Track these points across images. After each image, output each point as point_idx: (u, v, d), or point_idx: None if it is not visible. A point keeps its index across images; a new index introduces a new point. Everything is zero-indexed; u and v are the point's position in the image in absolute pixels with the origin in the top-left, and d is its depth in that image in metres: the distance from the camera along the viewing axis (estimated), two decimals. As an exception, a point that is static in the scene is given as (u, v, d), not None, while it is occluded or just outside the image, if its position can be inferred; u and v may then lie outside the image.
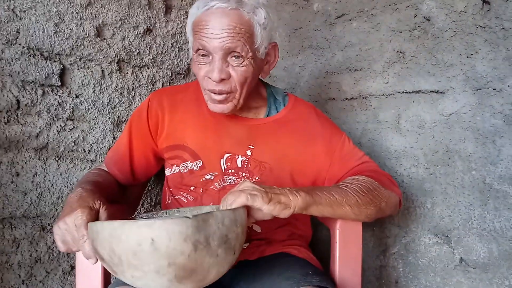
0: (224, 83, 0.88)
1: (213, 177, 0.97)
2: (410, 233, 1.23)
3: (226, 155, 0.98)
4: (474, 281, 1.09)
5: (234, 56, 0.87)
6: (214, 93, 0.90)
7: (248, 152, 0.98)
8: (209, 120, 1.00)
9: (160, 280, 0.62)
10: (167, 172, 1.04)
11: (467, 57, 1.09)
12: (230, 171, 0.98)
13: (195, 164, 0.98)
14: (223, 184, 0.97)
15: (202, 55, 0.88)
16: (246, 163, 0.98)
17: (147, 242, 0.59)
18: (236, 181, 0.97)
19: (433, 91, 1.17)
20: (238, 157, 0.98)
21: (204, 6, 0.86)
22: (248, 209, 0.74)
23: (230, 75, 0.88)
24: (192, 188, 0.99)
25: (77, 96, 1.18)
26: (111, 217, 0.77)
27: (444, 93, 1.14)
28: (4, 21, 1.03)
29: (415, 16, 1.20)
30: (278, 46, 0.98)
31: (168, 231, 0.59)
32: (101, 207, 0.75)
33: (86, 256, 0.72)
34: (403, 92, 1.24)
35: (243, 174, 0.98)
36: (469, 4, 1.08)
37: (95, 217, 0.74)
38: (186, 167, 0.99)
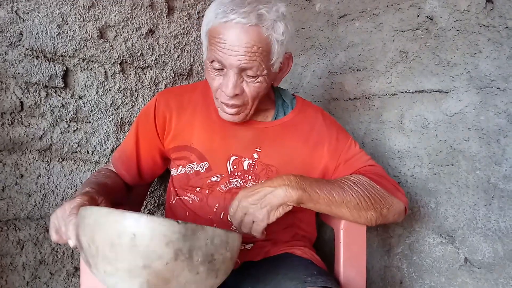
0: (237, 98, 0.88)
1: (219, 179, 0.97)
2: (414, 233, 1.23)
3: (233, 157, 0.97)
4: (480, 281, 1.08)
5: (249, 73, 0.85)
6: (227, 106, 0.90)
7: (255, 155, 0.98)
8: (216, 122, 0.99)
9: (130, 281, 0.59)
10: (173, 172, 1.04)
11: (471, 56, 1.08)
12: (236, 173, 0.97)
13: (202, 166, 0.98)
14: (229, 186, 0.97)
15: (217, 67, 0.86)
16: (252, 166, 0.98)
17: (128, 236, 0.57)
18: (242, 184, 0.97)
19: (436, 91, 1.16)
20: (245, 160, 0.97)
21: (223, 17, 0.82)
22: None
23: (244, 90, 0.88)
24: (198, 189, 0.99)
25: (80, 98, 1.18)
26: None
27: (447, 92, 1.14)
28: (8, 23, 1.04)
29: (418, 16, 1.19)
30: (292, 56, 0.97)
31: (153, 230, 0.56)
32: (101, 202, 0.76)
33: (64, 235, 0.70)
34: (406, 92, 1.23)
35: (250, 177, 0.97)
36: (472, 3, 1.07)
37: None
38: (192, 168, 0.99)
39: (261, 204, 0.81)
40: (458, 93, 1.11)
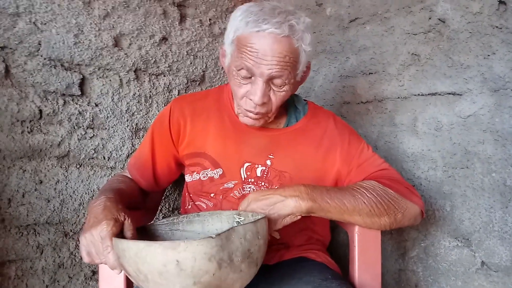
0: (263, 106, 0.89)
1: (233, 185, 0.99)
2: (429, 237, 1.22)
3: (246, 164, 0.99)
4: (497, 285, 1.07)
5: (277, 81, 0.87)
6: (252, 113, 0.91)
7: (268, 162, 0.99)
8: (229, 129, 1.01)
9: None
10: (187, 178, 1.05)
11: (484, 58, 1.08)
12: (249, 180, 0.98)
13: (216, 172, 0.99)
14: (243, 193, 0.98)
15: (244, 75, 0.87)
16: (265, 173, 0.99)
17: (173, 264, 0.60)
18: (255, 190, 0.98)
19: (449, 93, 1.16)
20: (258, 167, 0.98)
21: (254, 26, 0.83)
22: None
23: (270, 98, 0.89)
24: (212, 195, 1.00)
25: (96, 105, 1.21)
26: (135, 226, 0.79)
27: (461, 95, 1.13)
28: (26, 34, 1.07)
29: (430, 18, 1.19)
30: (310, 64, 0.98)
31: (193, 252, 0.60)
32: (126, 219, 0.76)
33: (110, 266, 0.72)
34: (419, 94, 1.23)
35: (263, 184, 0.98)
36: (484, 5, 1.07)
37: (120, 229, 0.75)
38: (206, 174, 1.00)
39: (269, 211, 0.82)
40: (472, 95, 1.10)
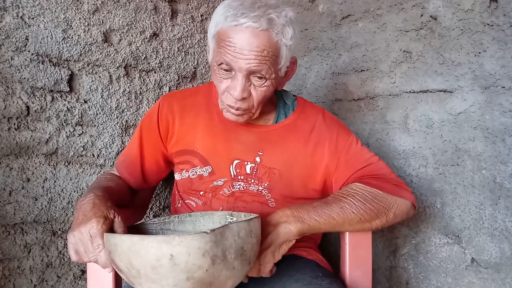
0: (244, 101, 0.88)
1: (222, 183, 0.98)
2: (420, 234, 1.22)
3: (236, 161, 0.98)
4: (486, 282, 1.07)
5: (257, 76, 0.86)
6: (233, 108, 0.90)
7: (257, 159, 0.98)
8: (218, 126, 1.00)
9: None
10: (177, 176, 1.04)
11: (475, 55, 1.08)
12: (239, 177, 0.98)
13: (205, 170, 0.99)
14: (232, 190, 0.98)
15: (225, 69, 0.87)
16: (255, 170, 0.98)
17: (166, 258, 0.59)
18: (245, 187, 0.98)
19: (441, 91, 1.16)
20: (247, 164, 0.98)
21: (232, 21, 0.82)
22: None
23: (251, 93, 0.88)
24: (201, 193, 1.00)
25: (85, 102, 1.19)
26: (125, 224, 0.78)
27: (452, 92, 1.13)
28: (13, 29, 1.05)
29: (422, 16, 1.19)
30: (297, 60, 0.97)
31: (187, 247, 0.59)
32: (116, 217, 0.75)
33: (102, 265, 0.72)
34: (410, 92, 1.23)
35: (252, 181, 0.98)
36: (476, 2, 1.07)
37: (110, 227, 0.74)
38: (196, 172, 0.99)
39: (263, 246, 0.81)
40: (463, 93, 1.10)
